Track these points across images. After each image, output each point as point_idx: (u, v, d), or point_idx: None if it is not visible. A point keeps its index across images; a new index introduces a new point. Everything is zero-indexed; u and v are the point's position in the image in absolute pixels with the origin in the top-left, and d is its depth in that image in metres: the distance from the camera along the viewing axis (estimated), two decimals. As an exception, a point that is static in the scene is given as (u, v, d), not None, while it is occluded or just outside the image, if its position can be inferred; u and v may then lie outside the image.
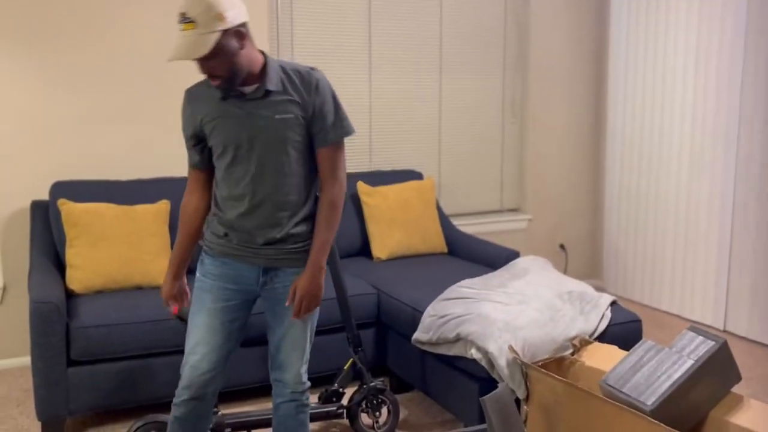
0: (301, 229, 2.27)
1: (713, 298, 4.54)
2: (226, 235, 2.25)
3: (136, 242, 3.46)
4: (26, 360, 3.80)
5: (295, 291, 2.23)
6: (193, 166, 2.30)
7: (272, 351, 2.34)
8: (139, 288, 3.46)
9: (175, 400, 2.28)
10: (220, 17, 2.01)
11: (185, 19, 2.01)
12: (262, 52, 2.21)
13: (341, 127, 2.25)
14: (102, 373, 3.06)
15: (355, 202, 4.15)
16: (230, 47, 2.06)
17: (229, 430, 2.89)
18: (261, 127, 2.16)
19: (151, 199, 3.66)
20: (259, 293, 2.30)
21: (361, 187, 4.15)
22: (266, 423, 2.93)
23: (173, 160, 4.04)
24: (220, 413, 2.92)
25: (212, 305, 2.24)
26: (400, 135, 4.69)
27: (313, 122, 2.21)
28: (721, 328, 4.50)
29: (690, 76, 4.59)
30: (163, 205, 3.60)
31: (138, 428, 2.77)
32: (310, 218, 2.29)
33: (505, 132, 5.05)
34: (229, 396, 3.12)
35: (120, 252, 3.42)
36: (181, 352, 3.17)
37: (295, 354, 2.32)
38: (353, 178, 4.22)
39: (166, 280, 2.36)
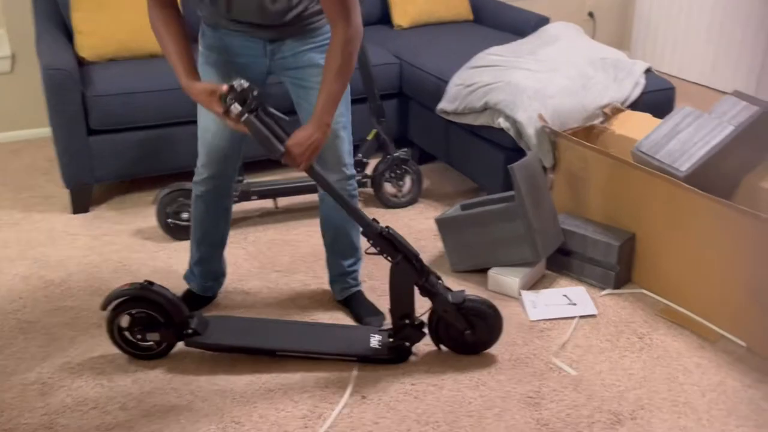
0: (313, 10, 2.02)
1: (746, 68, 4.37)
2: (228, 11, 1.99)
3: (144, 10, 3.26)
4: (46, 131, 3.77)
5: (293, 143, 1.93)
6: None
7: None
8: (153, 56, 3.32)
9: (195, 179, 2.25)
10: None
11: None
12: None
13: None
14: (124, 142, 3.03)
15: (373, -36, 3.85)
16: None
17: (255, 197, 2.93)
18: None
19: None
20: (269, 66, 2.11)
21: (381, -54, 3.82)
22: (291, 191, 2.95)
23: None
24: (245, 182, 2.93)
25: (219, 80, 2.07)
26: None
27: None
28: (750, 100, 4.38)
29: None
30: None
31: (165, 195, 2.80)
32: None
33: None
34: (255, 166, 3.12)
35: (130, 18, 3.24)
36: (202, 121, 3.12)
37: (330, 138, 2.10)
38: (372, -64, 3.88)
39: (188, 87, 1.94)
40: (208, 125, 2.16)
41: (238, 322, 2.29)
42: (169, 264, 2.68)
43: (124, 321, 2.11)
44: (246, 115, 1.88)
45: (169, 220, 2.82)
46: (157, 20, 1.97)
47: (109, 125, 2.99)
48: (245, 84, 1.87)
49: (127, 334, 2.13)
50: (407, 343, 2.14)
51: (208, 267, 2.40)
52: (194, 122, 3.10)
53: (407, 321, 2.09)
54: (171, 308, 2.10)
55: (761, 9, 4.20)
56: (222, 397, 2.02)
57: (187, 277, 2.44)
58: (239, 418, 1.94)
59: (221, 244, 2.39)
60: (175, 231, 2.83)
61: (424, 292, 2.08)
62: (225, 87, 1.87)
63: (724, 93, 4.51)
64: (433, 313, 2.12)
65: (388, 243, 2.03)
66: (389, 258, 2.04)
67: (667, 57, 4.87)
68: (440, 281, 2.10)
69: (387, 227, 2.04)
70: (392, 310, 2.11)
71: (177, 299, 2.13)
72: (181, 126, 3.09)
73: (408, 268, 2.04)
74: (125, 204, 3.13)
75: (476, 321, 2.12)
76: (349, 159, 2.23)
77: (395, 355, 2.15)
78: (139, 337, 2.13)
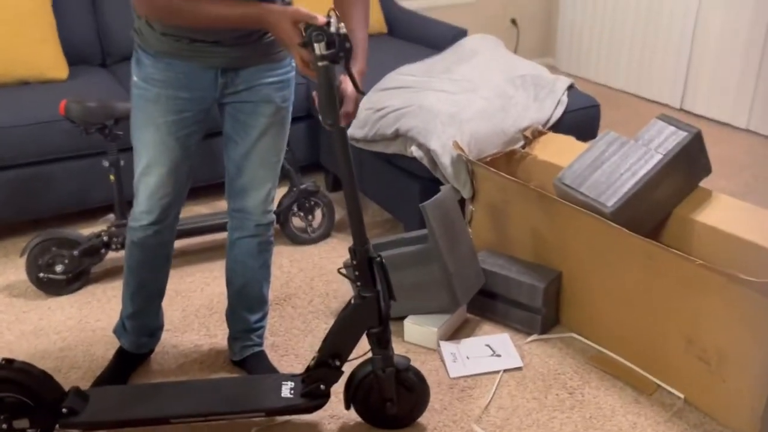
0: None
1: (672, 77, 4.24)
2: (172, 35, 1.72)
3: (16, 25, 2.90)
4: None
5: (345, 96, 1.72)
6: None
7: (231, 173, 1.92)
8: (24, 83, 2.96)
9: (132, 224, 1.92)
10: None
11: None
12: None
13: None
14: (-12, 184, 2.66)
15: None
16: None
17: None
18: None
19: (27, -26, 3.02)
20: (218, 99, 1.83)
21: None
22: (195, 231, 2.63)
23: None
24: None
25: (162, 119, 1.77)
26: None
27: None
28: (678, 107, 4.26)
29: None
30: (43, -19, 2.99)
31: (36, 245, 2.44)
32: None
33: None
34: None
35: (-5, 40, 2.87)
36: (81, 156, 2.77)
37: (263, 173, 1.90)
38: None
39: (267, 11, 1.60)
40: (150, 169, 1.84)
41: (123, 391, 1.96)
42: (40, 326, 2.33)
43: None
44: (326, 62, 1.54)
45: (41, 274, 2.46)
46: None
47: (-30, 165, 2.62)
48: (343, 30, 1.53)
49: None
50: (322, 386, 1.82)
51: (144, 321, 2.10)
52: (71, 158, 2.78)
53: (337, 362, 1.80)
54: (39, 387, 1.76)
55: (685, 10, 4.07)
56: (85, 502, 1.69)
57: (117, 332, 2.13)
58: None
59: (160, 294, 2.09)
60: (48, 286, 2.48)
61: (374, 341, 1.78)
62: (322, 19, 1.53)
63: (650, 101, 4.40)
64: (361, 367, 1.84)
65: (371, 275, 1.74)
66: (361, 289, 1.74)
67: (593, 64, 4.72)
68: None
69: (379, 255, 1.75)
70: (325, 344, 1.80)
71: (46, 374, 1.79)
72: (56, 163, 2.74)
73: (374, 309, 1.75)
74: (-5, 254, 2.76)
75: (402, 392, 1.85)
76: (272, 205, 1.98)
77: (309, 402, 1.82)
78: (4, 426, 1.79)
